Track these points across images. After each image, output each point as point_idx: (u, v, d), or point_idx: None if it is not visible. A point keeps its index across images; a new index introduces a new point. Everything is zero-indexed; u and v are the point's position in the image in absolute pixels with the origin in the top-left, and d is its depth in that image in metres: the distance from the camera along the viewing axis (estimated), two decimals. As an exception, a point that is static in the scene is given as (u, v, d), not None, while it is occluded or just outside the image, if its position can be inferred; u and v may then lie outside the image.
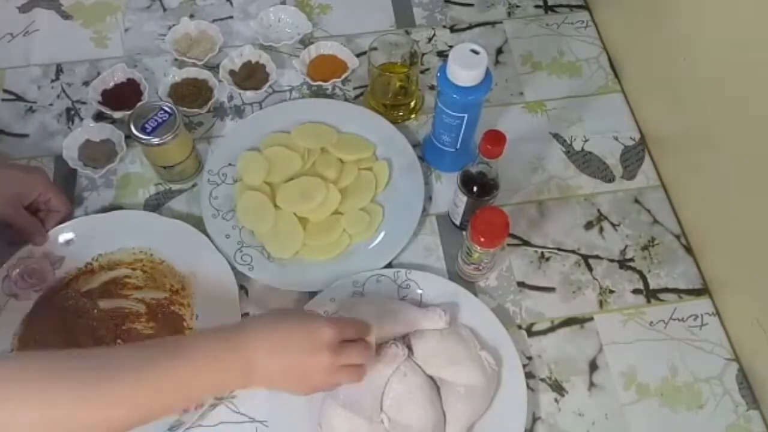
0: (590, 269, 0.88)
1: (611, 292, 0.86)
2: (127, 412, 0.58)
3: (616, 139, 0.98)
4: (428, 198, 0.92)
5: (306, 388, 0.67)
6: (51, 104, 0.98)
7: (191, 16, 1.06)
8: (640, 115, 1.00)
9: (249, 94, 0.99)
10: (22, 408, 0.54)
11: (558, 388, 0.80)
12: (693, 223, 0.90)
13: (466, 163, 0.81)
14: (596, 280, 0.87)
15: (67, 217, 0.86)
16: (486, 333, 0.80)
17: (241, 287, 0.84)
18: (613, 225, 0.91)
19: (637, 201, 0.93)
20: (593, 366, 0.81)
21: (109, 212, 0.88)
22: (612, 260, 0.88)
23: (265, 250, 0.86)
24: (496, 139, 0.74)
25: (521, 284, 0.87)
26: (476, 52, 0.78)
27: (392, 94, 0.96)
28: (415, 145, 0.94)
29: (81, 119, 0.97)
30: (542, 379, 0.81)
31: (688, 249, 0.90)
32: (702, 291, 0.87)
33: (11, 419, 0.54)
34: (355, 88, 1.01)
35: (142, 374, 0.58)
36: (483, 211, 0.77)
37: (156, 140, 0.83)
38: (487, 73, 0.80)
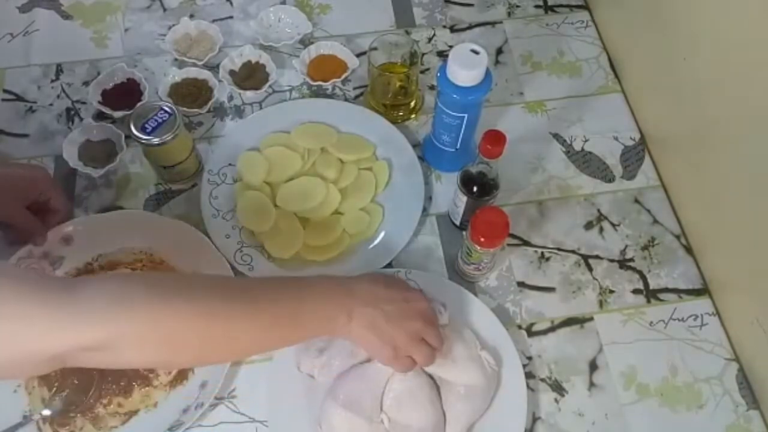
0: (590, 269, 0.88)
1: (611, 292, 0.86)
2: (252, 336, 0.64)
3: (616, 139, 0.98)
4: (428, 198, 0.92)
5: (389, 349, 0.68)
6: (51, 104, 0.99)
7: (191, 16, 1.06)
8: (640, 115, 1.00)
9: (249, 94, 0.99)
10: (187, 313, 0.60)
11: (558, 388, 0.80)
12: (693, 223, 0.90)
13: (466, 163, 0.81)
14: (596, 280, 0.87)
15: (67, 217, 0.86)
16: (486, 333, 0.80)
17: (241, 287, 0.84)
18: (613, 225, 0.91)
19: (637, 201, 0.93)
20: (593, 366, 0.81)
21: (109, 212, 0.88)
22: (612, 260, 0.88)
23: (265, 250, 0.86)
24: (496, 139, 0.74)
25: (521, 284, 0.87)
26: (476, 52, 0.78)
27: (392, 94, 0.96)
28: (415, 145, 0.94)
29: (81, 119, 0.97)
30: (542, 379, 0.81)
31: (688, 249, 0.90)
32: (702, 291, 0.87)
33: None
34: (355, 88, 1.02)
35: (275, 304, 0.65)
36: (483, 211, 0.77)
37: (156, 140, 0.83)
38: (487, 73, 0.80)
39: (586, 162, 0.96)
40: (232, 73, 1.01)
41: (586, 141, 0.98)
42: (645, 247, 0.89)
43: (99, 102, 0.96)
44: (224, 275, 0.80)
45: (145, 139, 0.83)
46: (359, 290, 0.69)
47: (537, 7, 1.11)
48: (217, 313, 0.61)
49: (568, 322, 0.84)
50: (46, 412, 0.75)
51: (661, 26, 0.90)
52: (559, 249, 0.89)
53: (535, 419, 0.78)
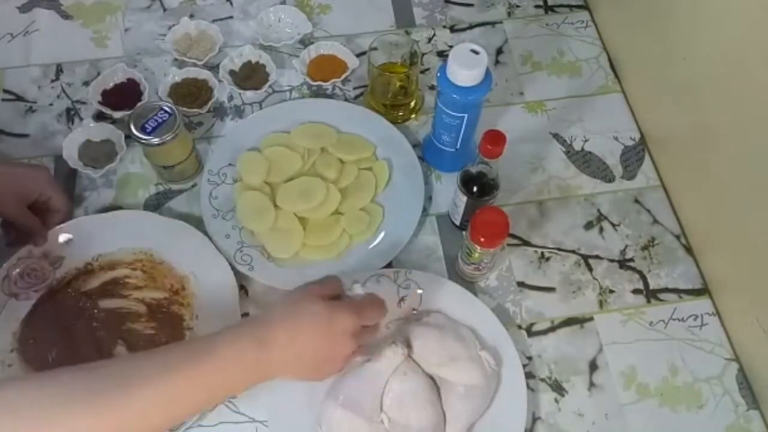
0: (590, 269, 0.88)
1: (611, 292, 0.86)
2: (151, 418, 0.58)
3: (616, 139, 0.98)
4: (428, 198, 0.92)
5: (323, 375, 0.68)
6: (51, 104, 0.98)
7: (191, 16, 1.06)
8: (640, 115, 1.00)
9: (249, 94, 0.99)
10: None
11: (558, 388, 0.80)
12: (693, 223, 0.90)
13: (466, 163, 0.81)
14: (596, 280, 0.87)
15: (68, 217, 0.86)
16: (486, 333, 0.80)
17: (241, 287, 0.84)
18: (613, 225, 0.91)
19: (637, 201, 0.93)
20: (593, 366, 0.81)
21: (109, 212, 0.88)
22: (612, 260, 0.88)
23: (265, 250, 0.86)
24: (496, 139, 0.74)
25: (521, 284, 0.87)
26: (476, 52, 0.78)
27: (392, 94, 0.96)
28: (415, 145, 0.94)
29: (81, 119, 0.97)
30: (542, 379, 0.81)
31: (688, 249, 0.90)
32: (702, 291, 0.87)
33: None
34: (355, 88, 1.01)
35: (163, 381, 0.58)
36: (483, 211, 0.77)
37: (156, 140, 0.83)
38: (487, 73, 0.80)
39: (586, 162, 0.96)
40: (232, 73, 1.01)
41: (586, 141, 0.98)
42: (645, 247, 0.89)
43: (99, 102, 0.96)
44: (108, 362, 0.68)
45: (145, 139, 0.83)
46: (275, 346, 0.62)
47: (537, 7, 1.11)
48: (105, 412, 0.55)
49: (568, 322, 0.84)
50: None
51: (661, 26, 0.90)
52: (559, 249, 0.89)
53: (535, 419, 0.78)
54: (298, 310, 0.64)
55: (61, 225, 0.85)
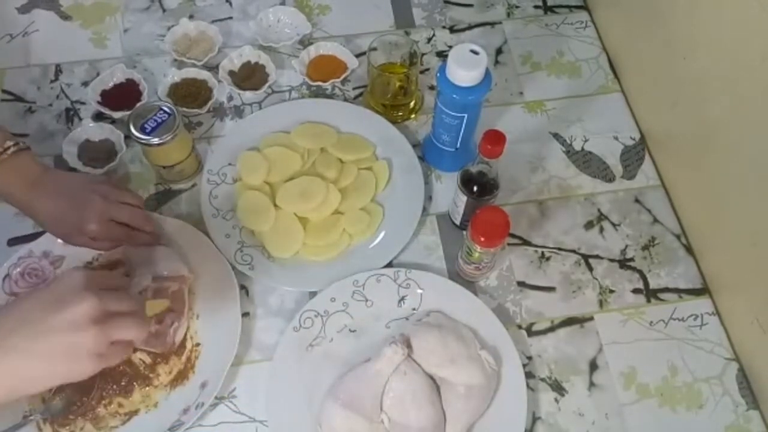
0: (590, 269, 0.88)
1: (611, 291, 0.86)
2: None
3: (616, 138, 0.98)
4: (428, 198, 0.92)
5: (76, 374, 0.59)
6: (50, 104, 0.98)
7: (190, 17, 1.06)
8: (640, 115, 1.00)
9: (248, 95, 0.99)
10: None
11: (558, 388, 0.80)
12: (693, 223, 0.90)
13: (466, 163, 0.81)
14: (596, 279, 0.87)
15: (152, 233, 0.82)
16: (486, 333, 0.80)
17: (242, 287, 0.84)
18: (614, 225, 0.91)
19: (637, 201, 0.93)
20: (593, 366, 0.81)
21: (108, 212, 0.88)
22: (612, 260, 0.88)
23: (265, 250, 0.86)
24: (496, 139, 0.74)
25: (521, 284, 0.87)
26: (476, 53, 0.78)
27: (392, 94, 0.97)
28: (415, 145, 0.94)
29: (80, 119, 0.97)
30: (542, 379, 0.80)
31: (688, 249, 0.90)
32: (702, 291, 0.87)
33: None
34: (354, 88, 1.02)
35: None
36: (483, 210, 0.77)
37: (156, 140, 0.83)
38: (487, 73, 0.80)
39: (586, 162, 0.96)
40: (231, 73, 1.01)
41: (586, 141, 0.98)
42: (645, 247, 0.89)
43: (98, 102, 0.96)
44: None
45: (144, 139, 0.83)
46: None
47: (536, 7, 1.11)
48: None
49: (568, 321, 0.84)
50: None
51: (661, 26, 0.90)
52: (559, 249, 0.89)
53: (535, 419, 0.78)
54: (27, 303, 0.59)
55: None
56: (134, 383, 0.77)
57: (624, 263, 0.88)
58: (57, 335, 0.57)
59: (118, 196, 0.79)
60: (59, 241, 0.84)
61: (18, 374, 0.57)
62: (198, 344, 0.80)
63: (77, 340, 0.57)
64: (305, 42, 1.05)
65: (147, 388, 0.77)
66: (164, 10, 1.09)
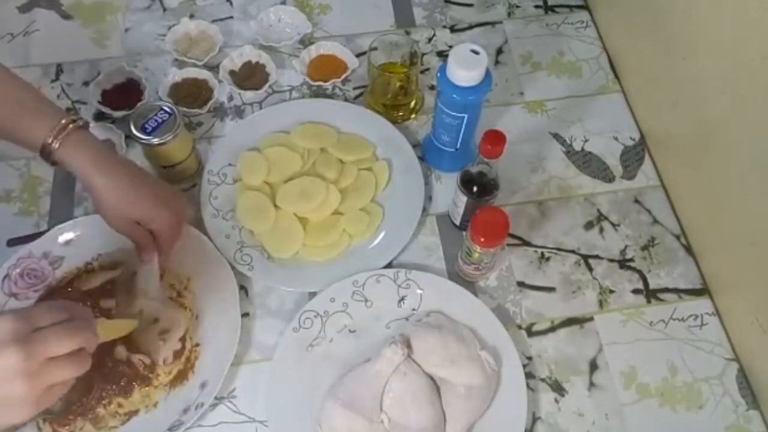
0: (590, 269, 0.88)
1: (611, 292, 0.86)
2: None
3: (616, 139, 0.98)
4: (428, 198, 0.92)
5: (12, 421, 0.55)
6: (51, 104, 0.99)
7: (191, 16, 1.06)
8: (640, 115, 1.00)
9: (249, 94, 0.99)
10: None
11: (558, 388, 0.80)
12: (693, 223, 0.90)
13: (466, 163, 0.81)
14: (596, 280, 0.87)
15: (175, 237, 0.79)
16: (486, 333, 0.80)
17: (241, 287, 0.84)
18: (613, 225, 0.91)
19: (637, 201, 0.93)
20: (593, 366, 0.81)
21: (109, 212, 0.88)
22: (612, 260, 0.88)
23: (265, 250, 0.86)
24: (496, 139, 0.74)
25: (521, 284, 0.87)
26: (476, 53, 0.78)
27: (392, 94, 0.96)
28: (415, 145, 0.94)
29: (81, 119, 0.97)
30: (542, 379, 0.81)
31: (688, 249, 0.90)
32: (702, 291, 0.87)
33: None
34: (355, 88, 1.02)
35: None
36: (483, 211, 0.77)
37: (156, 140, 0.83)
38: (487, 74, 0.80)
39: (586, 162, 0.96)
40: (232, 73, 1.01)
41: (586, 141, 0.98)
42: (645, 247, 0.89)
43: (99, 102, 0.96)
44: None
45: (145, 139, 0.83)
46: None
47: (537, 7, 1.11)
48: None
49: (568, 322, 0.84)
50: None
51: (661, 26, 0.90)
52: (559, 249, 0.89)
53: (535, 419, 0.78)
54: None
55: (61, 225, 0.85)
56: (134, 383, 0.77)
57: (624, 263, 0.88)
58: None
59: (183, 214, 0.79)
60: (59, 241, 0.84)
61: None
62: (197, 344, 0.80)
63: (7, 392, 0.53)
64: (306, 42, 1.05)
65: (146, 388, 0.77)
66: (165, 10, 1.09)
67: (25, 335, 0.54)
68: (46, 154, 0.72)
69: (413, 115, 0.99)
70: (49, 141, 0.71)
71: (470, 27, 1.08)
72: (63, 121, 0.72)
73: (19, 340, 0.53)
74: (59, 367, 0.55)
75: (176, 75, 0.98)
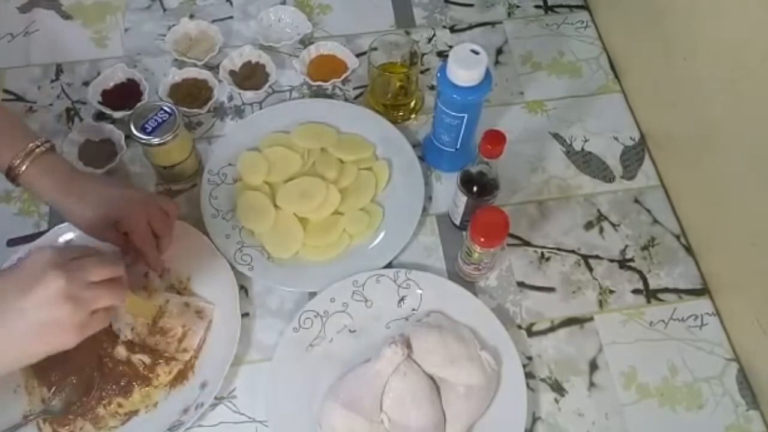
0: (590, 269, 0.88)
1: (611, 292, 0.86)
2: None
3: (616, 139, 0.98)
4: (428, 198, 0.92)
5: (61, 346, 0.60)
6: (51, 104, 0.98)
7: (191, 17, 1.06)
8: (640, 115, 1.00)
9: (249, 94, 0.99)
10: None
11: (558, 388, 0.80)
12: (693, 223, 0.90)
13: (466, 163, 0.81)
14: (596, 280, 0.87)
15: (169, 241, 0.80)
16: (486, 333, 0.80)
17: (241, 287, 0.84)
18: (613, 225, 0.91)
19: (637, 201, 0.93)
20: (593, 366, 0.81)
21: (109, 212, 0.88)
22: (612, 260, 0.88)
23: (265, 250, 0.86)
24: (496, 139, 0.74)
25: (521, 284, 0.87)
26: (476, 53, 0.78)
27: (392, 94, 0.96)
28: (415, 145, 0.94)
29: (81, 119, 0.97)
30: (542, 379, 0.81)
31: (688, 249, 0.90)
32: (702, 291, 0.87)
33: None
34: (355, 88, 1.02)
35: None
36: (483, 211, 0.77)
37: (156, 140, 0.83)
38: (487, 74, 0.80)
39: (586, 162, 0.96)
40: (232, 73, 1.01)
41: (586, 141, 0.98)
42: (645, 247, 0.89)
43: (99, 102, 0.96)
44: None
45: (145, 139, 0.83)
46: None
47: (537, 7, 1.11)
48: None
49: (568, 322, 0.84)
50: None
51: (661, 26, 0.90)
52: (559, 249, 0.89)
53: (535, 419, 0.78)
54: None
55: (61, 225, 0.84)
56: (134, 383, 0.77)
57: (624, 263, 0.88)
58: (33, 314, 0.58)
59: (158, 198, 0.79)
60: (58, 241, 0.84)
61: (4, 353, 0.59)
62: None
63: (55, 315, 0.58)
64: (306, 42, 1.05)
65: (146, 389, 0.77)
66: (165, 10, 1.09)
67: (63, 263, 0.59)
68: (12, 176, 0.74)
69: (413, 115, 0.99)
70: (16, 164, 0.73)
71: (470, 27, 1.08)
72: (30, 146, 0.74)
73: (59, 266, 0.58)
74: (100, 292, 0.61)
75: (176, 75, 0.98)
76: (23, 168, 0.73)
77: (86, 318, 0.60)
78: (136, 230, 0.75)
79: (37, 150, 0.74)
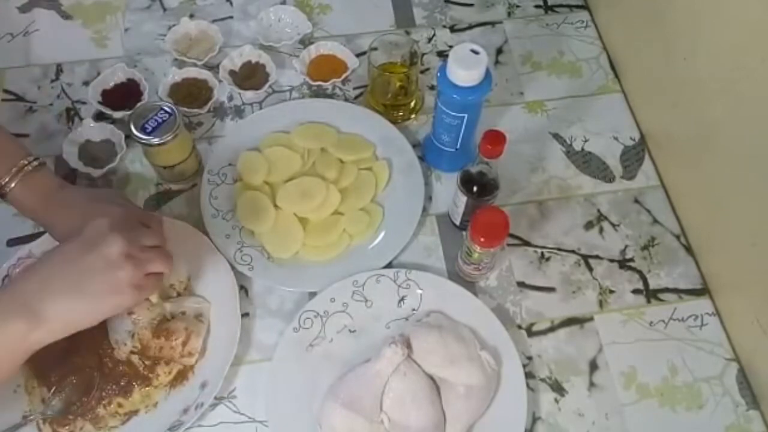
0: (590, 269, 0.88)
1: (611, 292, 0.86)
2: None
3: (616, 139, 0.98)
4: (428, 198, 0.92)
5: (121, 306, 0.66)
6: (51, 104, 0.99)
7: (191, 16, 1.06)
8: (640, 115, 1.00)
9: (249, 94, 0.99)
10: None
11: (558, 388, 0.80)
12: (693, 223, 0.90)
13: (466, 163, 0.81)
14: (596, 280, 0.87)
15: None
16: (486, 333, 0.80)
17: (241, 287, 0.84)
18: (613, 225, 0.91)
19: (637, 201, 0.93)
20: (593, 366, 0.81)
21: (109, 212, 0.88)
22: (612, 260, 0.88)
23: (265, 250, 0.86)
24: (496, 139, 0.74)
25: (521, 284, 0.87)
26: (476, 52, 0.78)
27: (392, 94, 0.96)
28: (415, 145, 0.94)
29: (81, 119, 0.97)
30: (542, 379, 0.81)
31: (688, 249, 0.90)
32: (702, 291, 0.87)
33: None
34: (355, 88, 1.02)
35: None
36: (483, 211, 0.77)
37: (156, 140, 0.83)
38: (487, 73, 0.80)
39: (586, 162, 0.96)
40: (232, 73, 1.01)
41: (586, 141, 0.98)
42: (645, 247, 0.89)
43: (99, 102, 0.96)
44: None
45: (145, 139, 0.83)
46: (47, 323, 0.62)
47: (537, 7, 1.11)
48: None
49: (568, 322, 0.84)
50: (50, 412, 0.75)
51: (661, 26, 0.90)
52: (559, 249, 0.89)
53: (535, 419, 0.78)
54: (55, 252, 0.65)
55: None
56: (134, 383, 0.77)
57: (624, 263, 0.88)
58: (97, 273, 0.63)
59: (139, 214, 0.78)
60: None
61: (70, 312, 0.64)
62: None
63: (116, 274, 0.64)
64: (306, 41, 1.05)
65: (146, 389, 0.77)
66: (165, 10, 1.09)
67: (120, 228, 0.65)
68: (0, 194, 0.75)
69: (413, 115, 0.99)
70: (5, 180, 0.74)
71: (470, 27, 1.08)
72: (21, 162, 0.75)
73: (118, 230, 0.65)
74: (154, 255, 0.67)
75: (176, 75, 0.98)
76: (12, 185, 0.74)
77: (142, 279, 0.66)
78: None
79: (27, 167, 0.75)
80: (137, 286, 0.65)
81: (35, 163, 0.76)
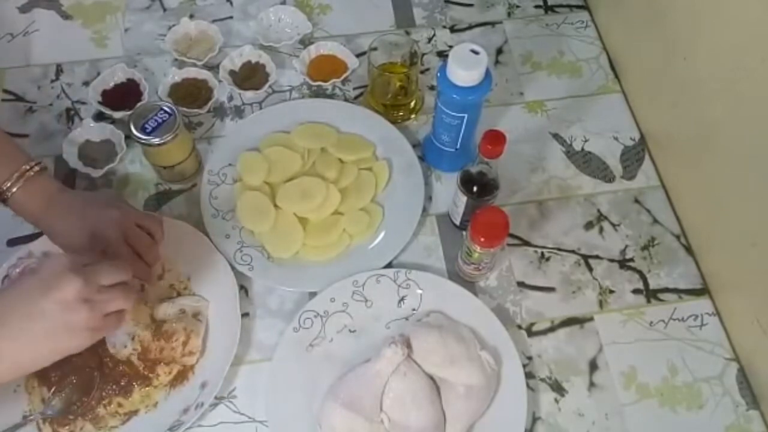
0: (590, 269, 0.88)
1: (611, 292, 0.86)
2: None
3: (616, 139, 0.98)
4: (428, 198, 0.92)
5: (75, 348, 0.63)
6: (51, 104, 0.99)
7: (191, 17, 1.06)
8: (640, 115, 1.00)
9: (249, 94, 0.99)
10: None
11: (558, 388, 0.80)
12: (693, 223, 0.90)
13: (466, 163, 0.81)
14: (596, 280, 0.87)
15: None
16: (486, 333, 0.80)
17: (241, 287, 0.84)
18: (613, 225, 0.91)
19: (637, 201, 0.93)
20: (593, 366, 0.81)
21: (109, 212, 0.88)
22: (612, 260, 0.88)
23: (265, 250, 0.86)
24: (496, 139, 0.74)
25: (521, 284, 0.87)
26: (476, 52, 0.78)
27: (392, 94, 0.96)
28: (415, 145, 0.94)
29: (81, 119, 0.97)
30: (542, 379, 0.81)
31: (688, 249, 0.90)
32: (702, 291, 0.87)
33: None
34: (355, 88, 1.02)
35: None
36: (483, 211, 0.77)
37: (156, 140, 0.83)
38: (487, 73, 0.80)
39: (586, 162, 0.96)
40: (232, 73, 1.01)
41: (586, 141, 0.98)
42: (645, 247, 0.89)
43: (99, 102, 0.96)
44: None
45: (145, 139, 0.83)
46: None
47: (537, 7, 1.11)
48: None
49: (568, 322, 0.84)
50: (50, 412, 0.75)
51: (661, 26, 0.90)
52: (559, 249, 0.89)
53: (535, 419, 0.78)
54: (19, 311, 0.61)
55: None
56: (134, 383, 0.77)
57: (624, 263, 0.88)
58: (51, 315, 0.60)
59: (137, 215, 0.78)
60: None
61: (19, 355, 0.61)
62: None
63: (70, 318, 0.61)
64: (306, 41, 1.05)
65: (147, 388, 0.77)
66: (165, 10, 1.09)
67: (78, 267, 0.61)
68: (1, 198, 0.75)
69: (413, 115, 0.99)
70: (7, 186, 0.74)
71: (470, 27, 1.08)
72: (23, 167, 0.75)
73: (75, 270, 0.61)
74: (112, 295, 0.63)
75: (176, 75, 0.98)
76: (14, 190, 0.74)
77: (99, 321, 0.63)
78: (108, 249, 0.75)
79: (29, 172, 0.75)
80: (94, 328, 0.63)
81: (37, 168, 0.76)
